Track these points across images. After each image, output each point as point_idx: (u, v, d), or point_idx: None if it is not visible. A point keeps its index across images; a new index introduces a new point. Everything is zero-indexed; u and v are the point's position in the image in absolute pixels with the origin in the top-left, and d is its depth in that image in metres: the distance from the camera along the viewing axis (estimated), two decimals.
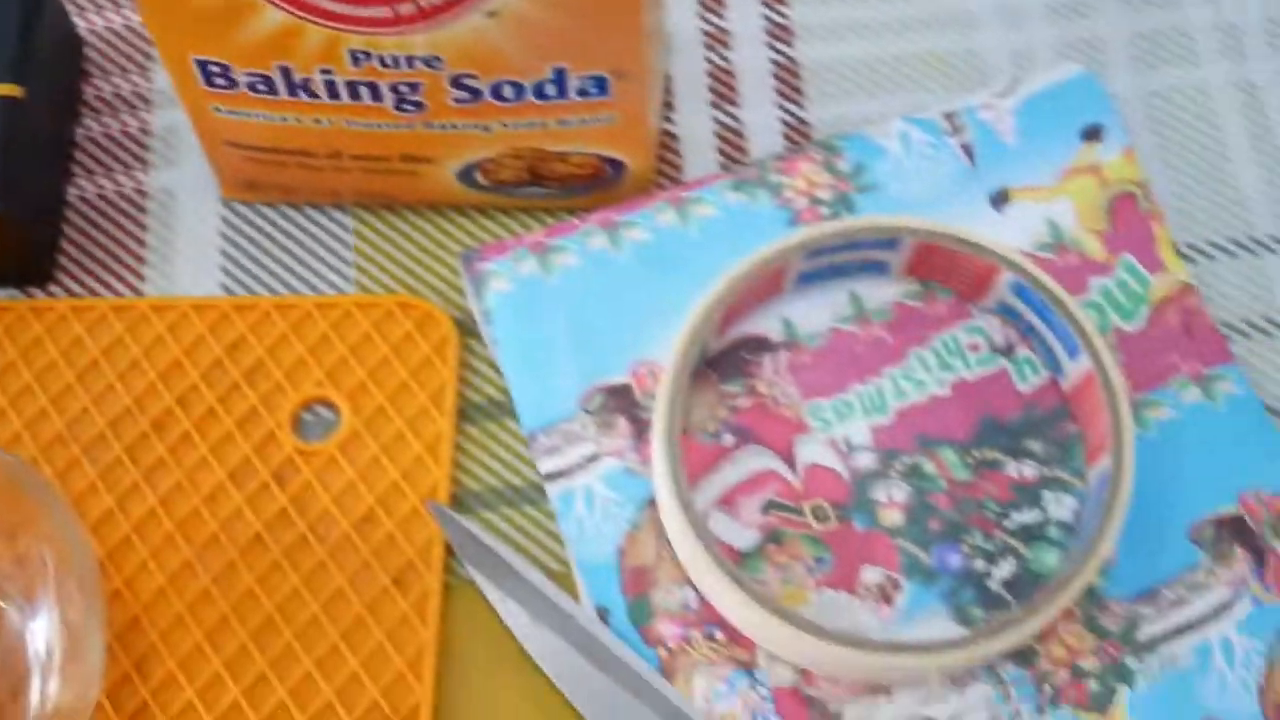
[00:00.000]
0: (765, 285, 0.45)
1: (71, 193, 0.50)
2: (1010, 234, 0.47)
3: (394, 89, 0.43)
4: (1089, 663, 0.42)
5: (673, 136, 0.50)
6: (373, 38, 0.41)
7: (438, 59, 0.42)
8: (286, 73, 0.43)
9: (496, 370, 0.47)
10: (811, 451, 0.45)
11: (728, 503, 0.44)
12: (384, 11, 0.40)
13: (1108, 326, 0.46)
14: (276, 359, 0.46)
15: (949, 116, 0.49)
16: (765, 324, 0.46)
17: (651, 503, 0.44)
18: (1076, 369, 0.44)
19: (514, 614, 0.43)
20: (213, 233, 0.49)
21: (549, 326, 0.46)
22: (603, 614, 0.43)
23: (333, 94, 0.43)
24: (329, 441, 0.45)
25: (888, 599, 0.43)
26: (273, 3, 0.40)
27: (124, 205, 0.50)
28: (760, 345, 0.46)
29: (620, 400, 0.45)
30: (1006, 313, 0.46)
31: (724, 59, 0.52)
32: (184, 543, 0.44)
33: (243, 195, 0.49)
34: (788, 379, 0.46)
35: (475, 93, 0.43)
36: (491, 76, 0.42)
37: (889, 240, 0.45)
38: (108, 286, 0.48)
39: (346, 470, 0.45)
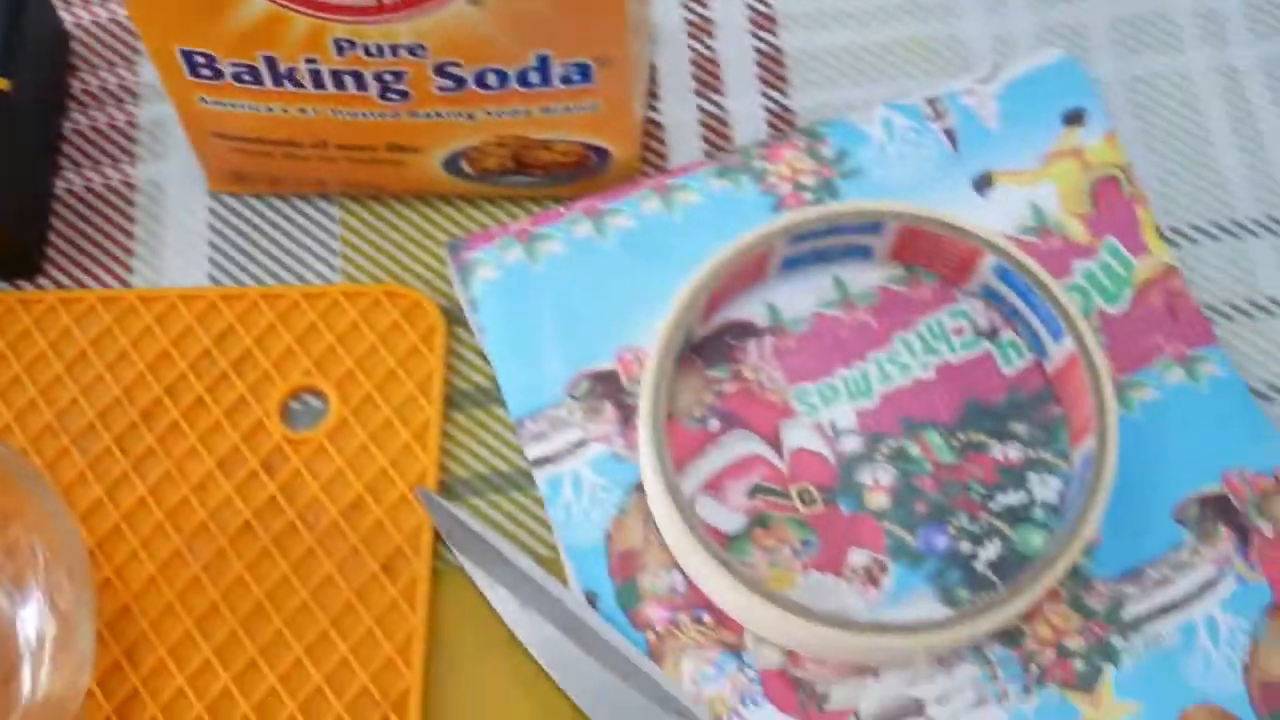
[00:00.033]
0: (749, 271, 0.45)
1: (59, 186, 0.50)
2: (993, 218, 0.48)
3: (378, 78, 0.43)
4: (1075, 642, 0.43)
5: (658, 125, 0.51)
6: (357, 26, 0.41)
7: (421, 47, 0.42)
8: (271, 63, 0.43)
9: (484, 358, 0.47)
10: (797, 436, 0.45)
11: (714, 487, 0.44)
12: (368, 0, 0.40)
13: (1091, 309, 0.47)
14: (264, 349, 0.47)
15: (931, 102, 0.49)
16: (750, 309, 0.46)
17: (638, 487, 0.44)
18: (1060, 351, 0.44)
19: (502, 599, 0.43)
20: (200, 224, 0.50)
21: (535, 314, 0.46)
22: (591, 598, 0.43)
23: (318, 83, 0.43)
24: (317, 430, 0.45)
25: (874, 581, 0.43)
26: None
27: (111, 198, 0.50)
28: (745, 330, 0.46)
29: (607, 386, 0.45)
30: (990, 296, 0.46)
31: (708, 48, 0.52)
32: (174, 531, 0.44)
33: (229, 187, 0.50)
34: (773, 364, 0.46)
35: (459, 81, 0.43)
36: (475, 64, 0.43)
37: (872, 224, 0.45)
38: (95, 278, 0.49)
39: (335, 458, 0.45)
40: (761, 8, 0.53)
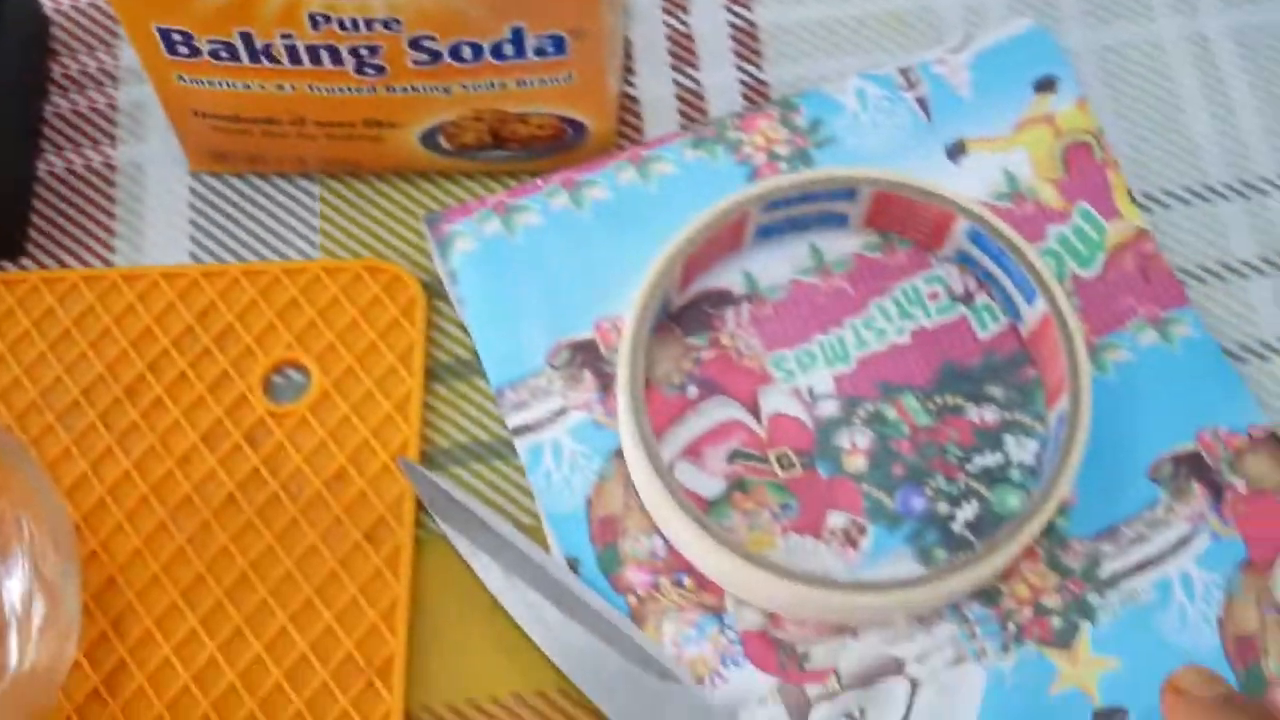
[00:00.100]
0: (726, 239, 0.46)
1: (41, 168, 0.51)
2: (967, 185, 0.48)
3: (354, 52, 0.44)
4: (1052, 600, 0.43)
5: (633, 99, 0.51)
6: (331, 0, 0.42)
7: (396, 20, 0.42)
8: (248, 39, 0.43)
9: (464, 330, 0.47)
10: (775, 401, 0.45)
11: (694, 453, 0.45)
12: None
13: (1065, 273, 0.47)
14: (246, 324, 0.47)
15: (904, 72, 0.50)
16: (727, 278, 0.47)
17: (618, 454, 0.45)
18: (1034, 313, 0.45)
19: (485, 566, 0.43)
20: (181, 204, 0.50)
21: (514, 285, 0.46)
22: (573, 564, 0.44)
23: (294, 59, 0.44)
24: (300, 403, 0.46)
25: (853, 543, 0.44)
26: None
27: (93, 179, 0.50)
28: (723, 299, 0.47)
29: (586, 355, 0.46)
30: (964, 261, 0.47)
31: (683, 22, 0.52)
32: (158, 504, 0.44)
33: (209, 166, 0.50)
34: (750, 331, 0.46)
35: (434, 54, 0.44)
36: (450, 37, 0.43)
37: (847, 191, 0.45)
38: (78, 258, 0.49)
39: (317, 430, 0.45)
40: None
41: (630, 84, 0.51)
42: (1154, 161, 0.50)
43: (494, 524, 0.44)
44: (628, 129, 0.51)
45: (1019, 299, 0.45)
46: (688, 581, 0.43)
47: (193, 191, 0.50)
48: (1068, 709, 0.42)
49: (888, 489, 0.44)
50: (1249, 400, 0.46)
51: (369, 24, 0.42)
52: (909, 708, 0.42)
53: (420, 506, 0.45)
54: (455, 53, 0.44)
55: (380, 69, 0.44)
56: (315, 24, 0.43)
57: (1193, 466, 0.45)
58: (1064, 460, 0.42)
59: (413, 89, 0.45)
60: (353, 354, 0.46)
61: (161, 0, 0.42)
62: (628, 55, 0.52)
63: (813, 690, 0.42)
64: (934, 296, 0.47)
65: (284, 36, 0.43)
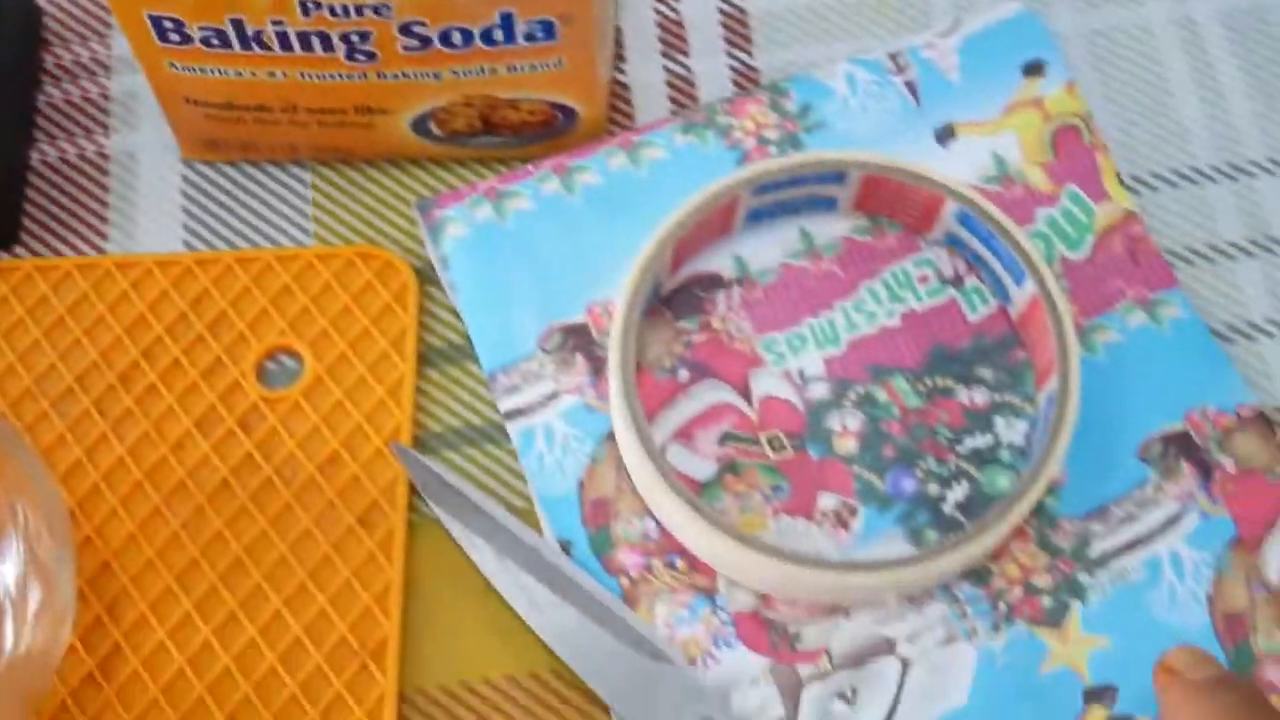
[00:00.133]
0: (716, 223, 0.46)
1: (34, 158, 0.51)
2: (956, 168, 0.48)
3: (345, 38, 0.44)
4: (1042, 580, 0.43)
5: (624, 86, 0.51)
6: None
7: (386, 6, 0.43)
8: (239, 25, 0.43)
9: (456, 316, 0.48)
10: (766, 384, 0.46)
11: (685, 436, 0.45)
12: None
13: (1054, 256, 0.47)
14: (239, 311, 0.47)
15: (893, 56, 0.50)
16: (717, 262, 0.47)
17: (610, 437, 0.45)
18: (1023, 295, 0.45)
19: (478, 549, 0.43)
20: (174, 192, 0.50)
21: (506, 269, 0.47)
22: (565, 546, 0.44)
23: (285, 45, 0.44)
24: (293, 389, 0.46)
25: (844, 524, 0.44)
26: None
27: (86, 168, 0.51)
28: (713, 282, 0.47)
29: (578, 339, 0.46)
30: (953, 243, 0.47)
31: (673, 9, 0.53)
32: (152, 490, 0.45)
33: (202, 154, 0.50)
34: (741, 314, 0.46)
35: (424, 40, 0.44)
36: (439, 23, 0.43)
37: (836, 175, 0.46)
38: (71, 247, 0.49)
39: (310, 416, 0.46)
40: None
41: (621, 70, 0.52)
42: (1143, 145, 0.50)
43: (487, 507, 0.44)
44: (618, 115, 0.51)
45: (1008, 281, 0.45)
46: (680, 563, 0.43)
47: (185, 180, 0.50)
48: (1058, 687, 0.42)
49: (878, 470, 0.45)
50: (1237, 380, 0.46)
51: (359, 10, 0.43)
52: (900, 687, 0.42)
53: (413, 491, 0.45)
54: (445, 38, 0.44)
55: (371, 55, 0.44)
56: (306, 10, 0.43)
57: (1181, 446, 0.45)
58: (1053, 440, 0.42)
59: (403, 75, 0.45)
60: (345, 340, 0.47)
61: None
62: (618, 42, 0.52)
63: (805, 670, 0.42)
64: (923, 279, 0.47)
65: (275, 23, 0.43)
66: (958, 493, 0.44)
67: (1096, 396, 0.45)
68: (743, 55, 0.52)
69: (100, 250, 0.49)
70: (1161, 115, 0.51)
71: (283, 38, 0.44)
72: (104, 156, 0.51)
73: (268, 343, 0.47)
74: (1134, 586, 0.43)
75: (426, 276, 0.48)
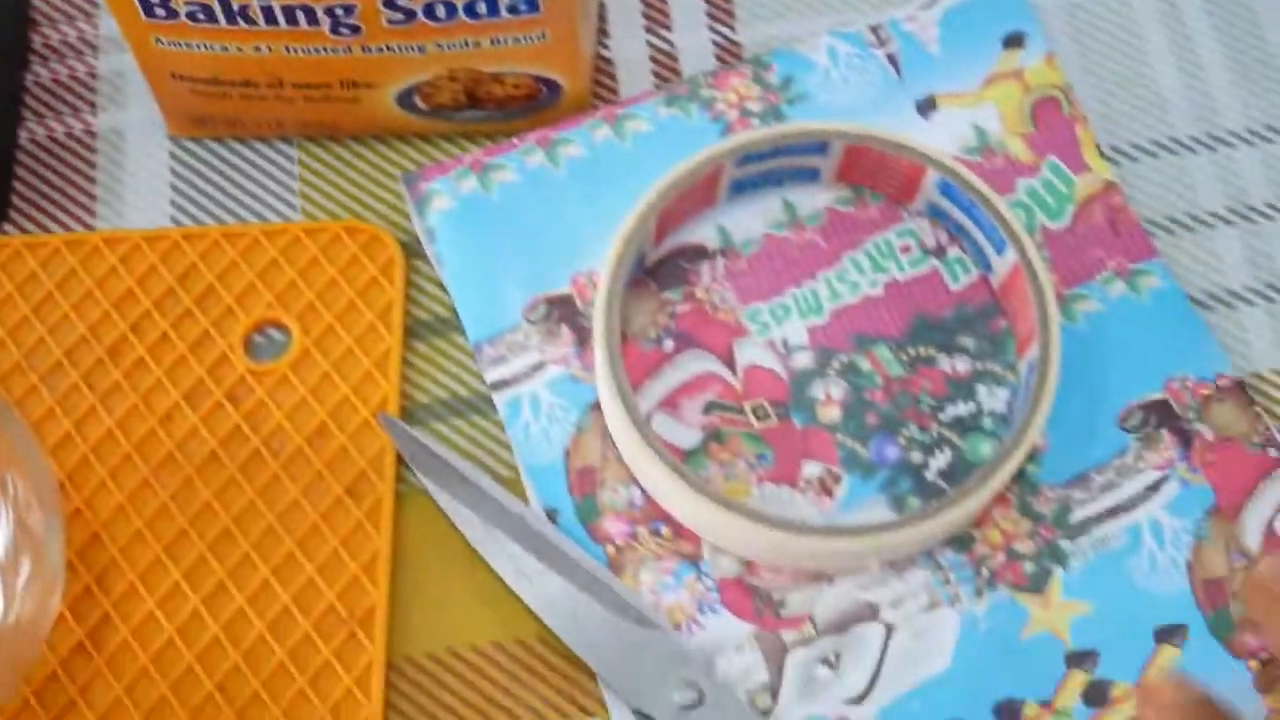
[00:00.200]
0: (699, 194, 0.46)
1: (23, 136, 0.51)
2: (937, 140, 0.49)
3: (329, 12, 0.44)
4: (1024, 546, 0.44)
5: (608, 61, 0.52)
6: None
7: None
8: (224, 0, 0.44)
9: (442, 289, 0.48)
10: (750, 353, 0.46)
11: (670, 405, 0.45)
12: None
13: (1035, 226, 0.48)
14: (227, 285, 0.47)
15: (874, 29, 0.50)
16: (701, 233, 0.47)
17: (595, 407, 0.45)
18: (1004, 264, 0.45)
19: (465, 518, 0.44)
20: (161, 168, 0.50)
21: (491, 241, 0.47)
22: (551, 515, 0.44)
23: (270, 19, 0.44)
24: (280, 361, 0.46)
25: (828, 492, 0.44)
26: None
27: (74, 146, 0.51)
28: (697, 253, 0.47)
29: (563, 310, 0.46)
30: (935, 214, 0.47)
31: None
32: (141, 462, 0.45)
33: (189, 131, 0.50)
34: (725, 285, 0.47)
35: (408, 13, 0.44)
36: None
37: (819, 145, 0.46)
38: (60, 223, 0.50)
39: (298, 388, 0.46)
40: None
41: (604, 45, 0.52)
42: (1122, 115, 0.51)
43: (473, 477, 0.44)
44: (602, 90, 0.51)
45: (989, 250, 0.46)
46: (665, 530, 0.44)
47: (173, 156, 0.51)
48: (1040, 652, 0.43)
49: (862, 438, 0.45)
50: (1216, 349, 0.46)
51: None
52: (884, 652, 0.43)
53: (401, 461, 0.45)
54: (429, 11, 0.44)
55: (355, 29, 0.45)
56: None
57: (1161, 415, 0.45)
58: (1034, 407, 0.43)
59: (388, 49, 0.45)
60: (332, 313, 0.47)
61: None
62: (602, 17, 0.52)
63: (789, 636, 0.43)
64: (906, 250, 0.47)
65: None
66: (940, 460, 0.45)
67: (1077, 365, 0.46)
68: (725, 29, 0.52)
69: (89, 227, 0.49)
70: (1141, 86, 0.51)
71: (268, 11, 0.44)
72: (91, 135, 0.51)
73: (255, 316, 0.47)
74: (1115, 553, 0.44)
75: (413, 250, 0.48)
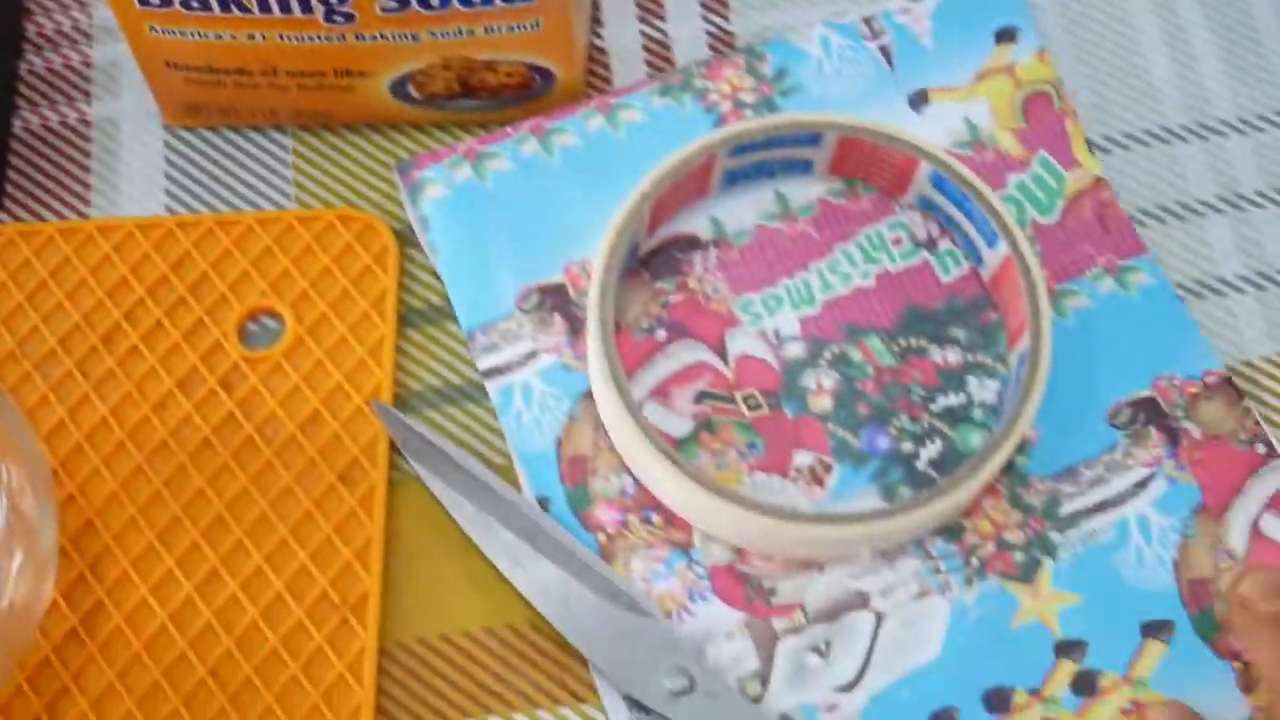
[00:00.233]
0: (692, 185, 0.46)
1: (17, 125, 0.51)
2: (929, 133, 0.49)
3: (323, 0, 0.44)
4: (1014, 536, 0.44)
5: (601, 51, 0.52)
6: None
7: None
8: None
9: (436, 277, 0.48)
10: (742, 343, 0.46)
11: (662, 394, 0.46)
12: None
13: (1025, 220, 0.48)
14: (220, 273, 0.48)
15: (868, 21, 0.50)
16: (694, 223, 0.48)
17: (587, 395, 0.45)
18: (995, 256, 0.45)
19: (458, 505, 0.44)
20: (156, 157, 0.50)
21: (485, 230, 0.47)
22: (543, 502, 0.44)
23: (264, 7, 0.44)
24: (274, 349, 0.46)
25: (819, 481, 0.45)
26: None
27: (68, 135, 0.51)
28: (690, 244, 0.47)
29: (556, 299, 0.46)
30: (927, 207, 0.47)
31: None
32: (134, 449, 0.45)
33: (184, 120, 0.50)
34: (718, 275, 0.47)
35: (402, 1, 0.44)
36: None
37: (812, 136, 0.46)
38: (55, 212, 0.50)
39: (291, 375, 0.46)
40: None
41: (598, 35, 0.52)
42: (1114, 105, 0.51)
43: (466, 464, 0.44)
44: (596, 80, 0.51)
45: (980, 243, 0.46)
46: (656, 518, 0.44)
47: (167, 145, 0.51)
48: (1029, 641, 0.43)
49: (853, 428, 0.45)
50: (1204, 346, 0.46)
51: None
52: (874, 640, 0.43)
53: (394, 448, 0.46)
54: None
55: (349, 16, 0.45)
56: None
57: (1150, 412, 0.46)
58: (1025, 397, 0.43)
59: (381, 37, 0.46)
60: (326, 301, 0.47)
61: None
62: (595, 6, 0.52)
63: (779, 624, 0.43)
64: (898, 242, 0.48)
65: None
66: (931, 450, 0.45)
67: (1067, 360, 0.46)
68: (719, 20, 0.52)
69: (83, 216, 0.49)
70: (1133, 76, 0.51)
71: None
72: (86, 123, 0.51)
73: (249, 304, 0.47)
74: (1103, 547, 0.44)
75: (406, 239, 0.49)
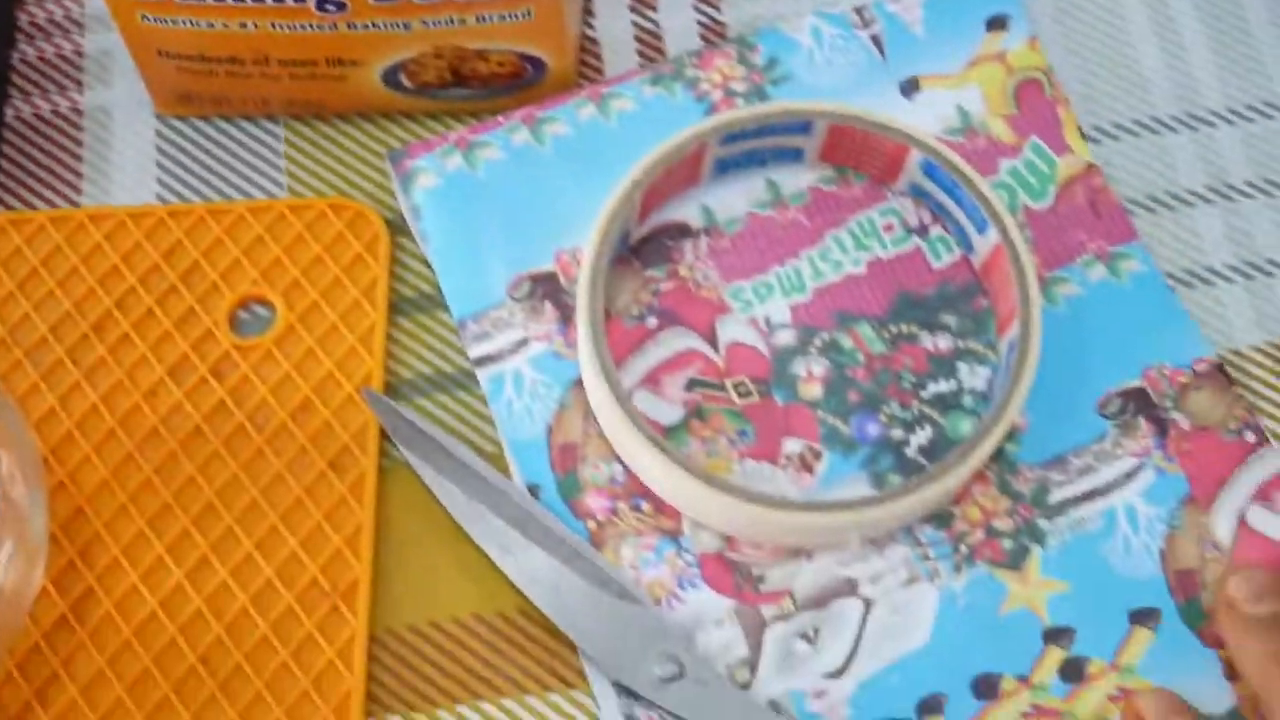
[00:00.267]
0: (684, 173, 0.47)
1: (9, 114, 0.51)
2: (921, 121, 0.49)
3: None
4: (1003, 523, 0.44)
5: (593, 41, 0.52)
6: None
7: None
8: None
9: (427, 265, 0.48)
10: (733, 331, 0.46)
11: (652, 381, 0.46)
12: None
13: (1017, 206, 0.48)
14: (212, 261, 0.48)
15: (859, 10, 0.50)
16: (685, 211, 0.48)
17: (578, 383, 0.45)
18: (985, 244, 0.46)
19: (448, 492, 0.44)
20: (148, 146, 0.51)
21: (476, 218, 0.47)
22: (533, 490, 0.44)
23: None
24: (265, 337, 0.47)
25: (809, 468, 0.45)
26: None
27: (60, 124, 0.51)
28: (681, 232, 0.47)
29: (547, 287, 0.46)
30: (918, 194, 0.47)
31: None
32: (125, 437, 0.45)
33: (176, 109, 0.51)
34: (709, 263, 0.47)
35: None
36: None
37: (802, 125, 0.46)
38: (46, 201, 0.50)
39: (282, 363, 0.46)
40: None
41: (589, 25, 0.52)
42: (1104, 95, 0.51)
43: (456, 452, 0.44)
44: (588, 70, 0.51)
45: (971, 230, 0.46)
46: (645, 506, 0.44)
47: (159, 135, 0.51)
48: (1018, 627, 0.43)
49: (843, 415, 0.45)
50: (1194, 334, 0.46)
51: None
52: (862, 627, 0.43)
53: (384, 436, 0.46)
54: None
55: (341, 5, 0.45)
56: None
57: (1139, 403, 0.46)
58: (1015, 384, 0.43)
59: (373, 25, 0.46)
60: (317, 289, 0.47)
61: None
62: None
63: (768, 611, 0.43)
64: (889, 229, 0.48)
65: None
66: (921, 437, 0.45)
67: (1057, 349, 0.46)
68: (710, 9, 0.52)
69: (74, 204, 0.50)
70: (1123, 66, 0.51)
71: None
72: (78, 112, 0.51)
73: (240, 292, 0.47)
74: (1091, 535, 0.44)
75: (398, 227, 0.49)
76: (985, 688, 0.42)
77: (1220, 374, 0.46)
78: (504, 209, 0.47)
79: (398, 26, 0.46)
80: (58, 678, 0.42)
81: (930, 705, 0.42)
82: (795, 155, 0.48)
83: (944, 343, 0.46)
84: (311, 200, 0.48)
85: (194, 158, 0.50)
